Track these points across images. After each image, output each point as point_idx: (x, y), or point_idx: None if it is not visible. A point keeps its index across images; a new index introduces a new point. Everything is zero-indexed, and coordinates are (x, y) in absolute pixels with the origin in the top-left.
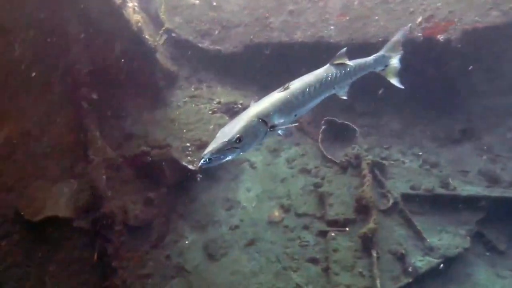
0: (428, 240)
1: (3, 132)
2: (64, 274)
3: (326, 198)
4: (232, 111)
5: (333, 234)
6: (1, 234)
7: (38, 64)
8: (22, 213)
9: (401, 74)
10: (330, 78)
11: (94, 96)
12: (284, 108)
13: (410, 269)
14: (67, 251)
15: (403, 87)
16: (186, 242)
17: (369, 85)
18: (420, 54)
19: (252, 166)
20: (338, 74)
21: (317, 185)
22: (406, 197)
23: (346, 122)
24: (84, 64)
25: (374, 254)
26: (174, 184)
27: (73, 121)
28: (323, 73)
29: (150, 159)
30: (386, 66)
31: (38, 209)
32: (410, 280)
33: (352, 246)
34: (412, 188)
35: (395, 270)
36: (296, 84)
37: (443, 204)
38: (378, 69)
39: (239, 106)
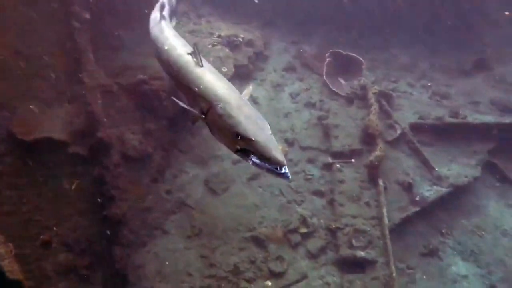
0: (436, 170)
1: None
2: (61, 201)
3: (331, 130)
4: (233, 44)
5: (338, 166)
6: None
7: None
8: (14, 132)
9: None
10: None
11: (87, 15)
12: None
13: (417, 199)
14: (64, 177)
15: None
16: (187, 177)
17: (376, 20)
18: None
19: (255, 101)
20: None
21: (322, 118)
22: (414, 127)
23: (352, 54)
24: None
25: (381, 183)
26: (175, 117)
27: (66, 42)
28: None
29: (148, 87)
30: None
31: (31, 129)
32: (418, 209)
33: (358, 177)
34: (420, 118)
35: (403, 201)
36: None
37: (454, 135)
38: None
39: (240, 39)
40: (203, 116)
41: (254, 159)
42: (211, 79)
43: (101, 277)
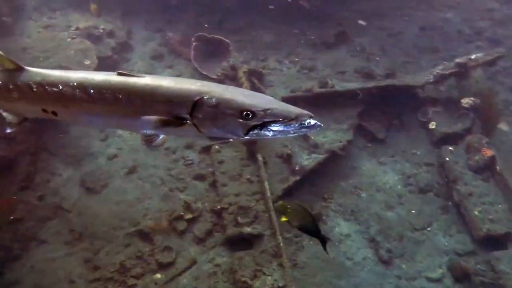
0: (312, 138)
1: None
2: None
3: None
4: (94, 36)
5: (217, 147)
6: None
7: None
8: None
9: None
10: None
11: None
12: None
13: (297, 168)
14: None
15: None
16: (61, 179)
17: (238, 3)
18: None
19: None
20: None
21: None
22: (287, 100)
23: (217, 36)
24: None
25: (260, 158)
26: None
27: None
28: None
29: None
30: None
31: None
32: (298, 178)
33: (237, 155)
34: (292, 91)
35: (284, 172)
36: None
37: (325, 104)
38: None
39: (101, 31)
40: (184, 121)
41: (276, 127)
42: (171, 80)
43: None
